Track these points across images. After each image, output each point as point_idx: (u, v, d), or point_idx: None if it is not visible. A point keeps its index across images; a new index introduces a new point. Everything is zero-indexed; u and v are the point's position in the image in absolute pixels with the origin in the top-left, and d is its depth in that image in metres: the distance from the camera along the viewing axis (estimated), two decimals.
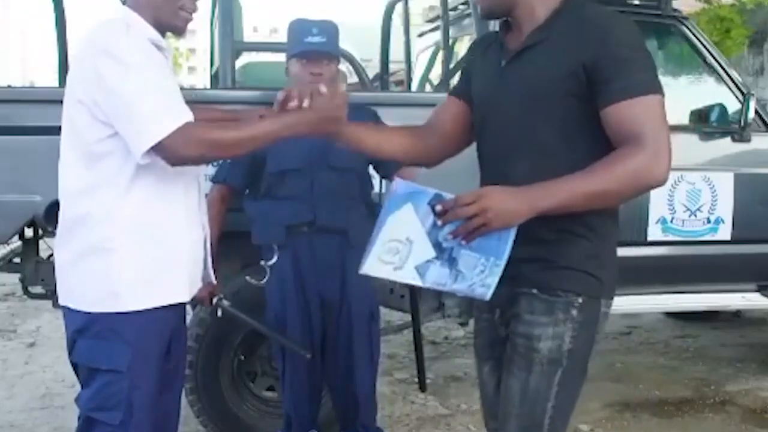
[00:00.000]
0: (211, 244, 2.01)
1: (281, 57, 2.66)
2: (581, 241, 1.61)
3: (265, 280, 2.24)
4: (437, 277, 1.52)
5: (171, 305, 1.83)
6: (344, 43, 2.76)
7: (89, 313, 1.76)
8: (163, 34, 1.83)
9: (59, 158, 1.80)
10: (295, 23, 2.59)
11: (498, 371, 1.76)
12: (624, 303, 3.43)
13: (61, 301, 1.83)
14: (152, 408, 1.80)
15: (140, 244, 1.76)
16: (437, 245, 1.50)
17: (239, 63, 3.49)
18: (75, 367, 1.86)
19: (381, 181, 2.76)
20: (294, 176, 2.53)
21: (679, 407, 3.65)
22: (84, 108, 1.70)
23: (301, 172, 2.52)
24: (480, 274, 1.51)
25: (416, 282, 1.52)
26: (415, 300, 3.02)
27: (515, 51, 1.66)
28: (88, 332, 1.76)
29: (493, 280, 1.52)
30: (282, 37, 2.64)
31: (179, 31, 1.86)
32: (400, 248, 1.50)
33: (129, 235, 1.75)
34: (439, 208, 1.48)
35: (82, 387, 1.84)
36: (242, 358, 3.09)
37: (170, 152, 1.65)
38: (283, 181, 2.54)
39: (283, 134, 1.75)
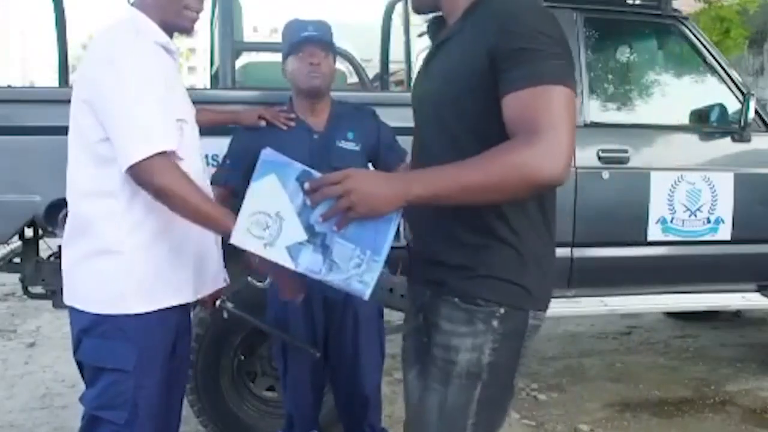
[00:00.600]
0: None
1: (281, 57, 2.66)
2: (505, 247, 1.49)
3: (268, 281, 2.23)
4: (310, 263, 1.44)
5: (176, 305, 1.83)
6: (344, 43, 2.75)
7: (95, 313, 1.76)
8: (171, 35, 1.84)
9: (67, 157, 1.80)
10: (290, 23, 2.59)
11: (424, 379, 1.62)
12: (624, 303, 3.44)
13: (67, 301, 1.83)
14: (157, 407, 1.80)
15: (146, 247, 1.77)
16: (309, 228, 1.43)
17: (239, 63, 3.49)
18: (80, 365, 1.86)
19: None
20: None
21: (679, 407, 3.65)
22: (87, 108, 1.70)
23: None
24: (357, 267, 1.42)
25: (288, 264, 1.45)
26: None
27: (435, 46, 1.60)
28: (93, 331, 1.77)
29: (372, 277, 1.42)
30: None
31: (186, 31, 1.86)
32: (269, 223, 1.44)
33: (135, 238, 1.75)
34: (307, 186, 1.41)
35: (87, 386, 1.84)
36: (242, 358, 3.09)
37: (141, 175, 1.65)
38: None
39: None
